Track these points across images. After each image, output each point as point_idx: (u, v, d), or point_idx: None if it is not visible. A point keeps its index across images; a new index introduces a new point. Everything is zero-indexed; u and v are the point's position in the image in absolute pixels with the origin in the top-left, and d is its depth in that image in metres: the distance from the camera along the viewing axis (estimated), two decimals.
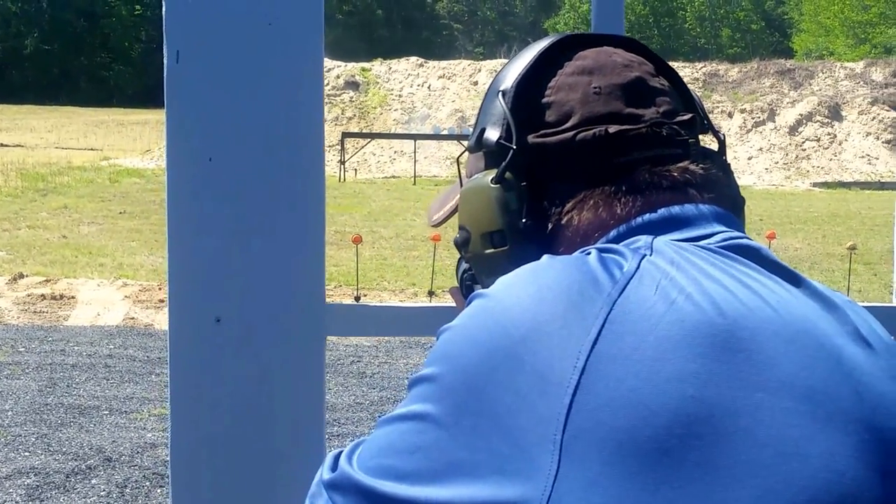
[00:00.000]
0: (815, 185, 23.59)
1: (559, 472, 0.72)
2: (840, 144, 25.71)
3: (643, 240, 0.87)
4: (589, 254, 0.84)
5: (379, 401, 6.76)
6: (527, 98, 0.97)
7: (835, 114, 26.54)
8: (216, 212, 1.34)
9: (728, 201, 0.95)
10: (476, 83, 28.07)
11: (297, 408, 1.37)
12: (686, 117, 0.97)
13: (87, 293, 9.77)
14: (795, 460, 0.74)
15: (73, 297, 9.62)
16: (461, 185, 1.05)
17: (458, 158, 1.10)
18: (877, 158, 25.16)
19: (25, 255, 11.85)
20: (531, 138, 0.96)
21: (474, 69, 29.10)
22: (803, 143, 25.77)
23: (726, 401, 0.74)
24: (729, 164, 0.99)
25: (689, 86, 1.03)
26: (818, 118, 26.35)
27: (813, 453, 0.74)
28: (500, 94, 0.98)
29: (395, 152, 25.39)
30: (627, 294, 0.79)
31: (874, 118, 26.15)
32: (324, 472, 0.86)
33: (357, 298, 9.51)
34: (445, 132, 24.65)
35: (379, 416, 0.83)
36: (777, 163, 25.13)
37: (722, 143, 1.01)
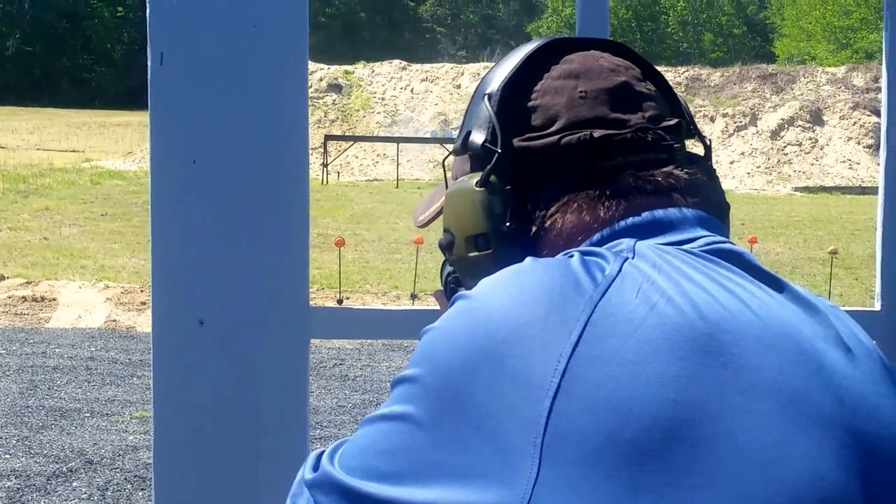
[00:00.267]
0: (796, 189, 23.69)
1: (539, 475, 0.72)
2: (822, 149, 25.82)
3: (626, 243, 0.86)
4: (571, 256, 0.84)
5: (361, 404, 6.75)
6: (513, 101, 0.97)
7: (816, 118, 26.65)
8: (200, 214, 1.34)
9: (713, 206, 0.95)
10: (459, 86, 28.06)
11: (280, 410, 1.36)
12: (672, 122, 0.97)
13: (69, 295, 9.73)
14: (776, 463, 0.74)
15: (54, 300, 9.58)
16: (447, 187, 1.05)
17: (443, 161, 1.10)
18: (858, 163, 25.27)
19: (6, 256, 11.79)
20: (516, 142, 0.95)
21: (457, 72, 29.10)
22: (785, 147, 25.87)
23: (707, 404, 0.74)
24: (714, 170, 0.99)
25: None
26: (800, 123, 26.46)
27: (794, 456, 0.75)
28: (486, 97, 0.98)
29: (378, 155, 25.36)
30: (609, 297, 0.79)
31: (855, 123, 26.28)
32: (306, 472, 0.86)
33: (340, 301, 9.50)
34: (428, 135, 24.63)
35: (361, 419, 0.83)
36: (759, 167, 25.22)
37: (708, 148, 1.01)
